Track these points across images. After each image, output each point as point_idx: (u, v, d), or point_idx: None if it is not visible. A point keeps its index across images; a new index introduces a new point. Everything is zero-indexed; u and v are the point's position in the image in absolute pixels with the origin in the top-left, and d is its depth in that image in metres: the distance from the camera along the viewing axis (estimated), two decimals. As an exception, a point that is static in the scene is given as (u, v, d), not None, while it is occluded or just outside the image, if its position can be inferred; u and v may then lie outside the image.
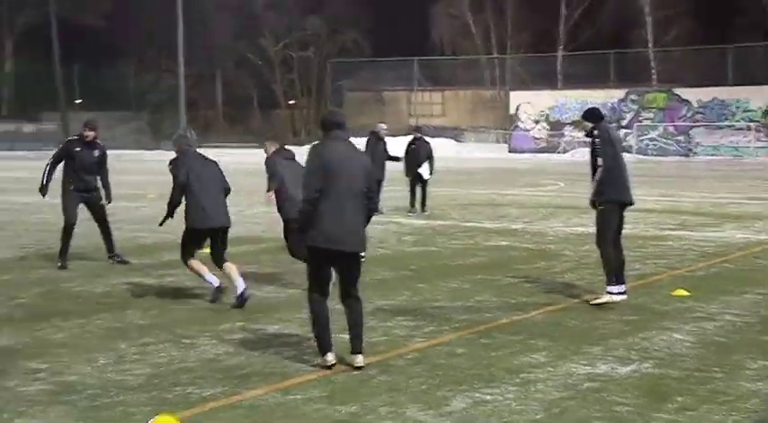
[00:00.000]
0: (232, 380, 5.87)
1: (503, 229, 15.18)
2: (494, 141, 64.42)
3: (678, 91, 55.69)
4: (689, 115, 55.22)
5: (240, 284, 8.19)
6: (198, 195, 8.33)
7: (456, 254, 12.05)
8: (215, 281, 8.37)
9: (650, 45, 59.51)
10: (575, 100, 57.79)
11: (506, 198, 22.24)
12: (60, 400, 5.40)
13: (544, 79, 60.20)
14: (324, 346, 6.10)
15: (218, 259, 8.49)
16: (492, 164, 44.63)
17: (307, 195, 6.04)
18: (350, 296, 6.21)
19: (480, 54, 65.58)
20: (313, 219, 6.01)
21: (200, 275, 8.45)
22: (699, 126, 54.91)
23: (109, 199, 11.00)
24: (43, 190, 10.69)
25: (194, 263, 8.46)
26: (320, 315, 6.12)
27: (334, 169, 6.01)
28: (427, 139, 18.70)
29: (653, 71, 59.18)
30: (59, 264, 10.40)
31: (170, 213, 8.51)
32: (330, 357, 6.06)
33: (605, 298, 8.40)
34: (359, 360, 6.12)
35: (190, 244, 8.48)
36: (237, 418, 5.14)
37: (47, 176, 10.61)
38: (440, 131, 62.30)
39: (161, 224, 8.66)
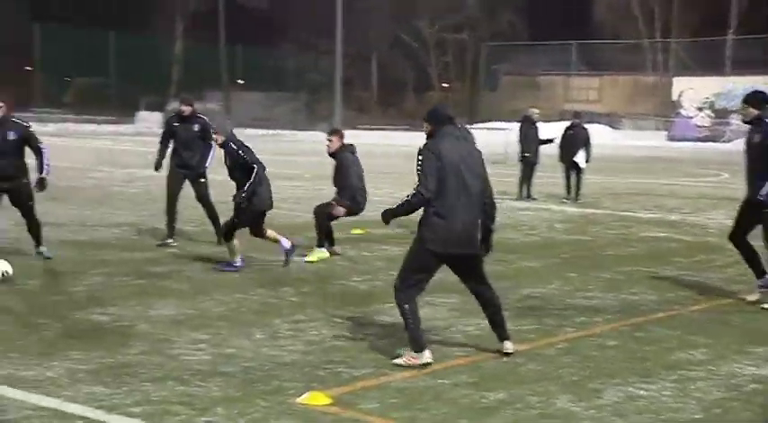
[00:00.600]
0: (382, 361, 5.95)
1: (660, 219, 14.67)
2: (652, 129, 62.24)
3: None
4: None
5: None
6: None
7: (610, 244, 11.76)
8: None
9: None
10: (743, 87, 55.00)
11: (664, 188, 21.46)
12: (219, 371, 5.64)
13: (710, 64, 57.53)
14: (422, 344, 5.80)
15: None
16: (650, 152, 43.14)
17: (422, 194, 5.76)
18: (480, 286, 6.07)
19: (643, 38, 63.39)
20: (427, 220, 5.78)
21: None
22: None
23: (200, 170, 10.57)
24: (156, 166, 10.76)
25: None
26: (416, 312, 5.86)
27: (450, 168, 5.74)
28: (585, 125, 18.28)
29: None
30: (160, 242, 10.41)
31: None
32: (428, 355, 5.77)
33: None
34: (508, 346, 6.06)
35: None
36: (387, 398, 5.22)
37: (158, 153, 10.69)
38: (595, 117, 60.71)
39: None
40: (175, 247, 10.41)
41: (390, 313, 7.32)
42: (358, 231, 12.04)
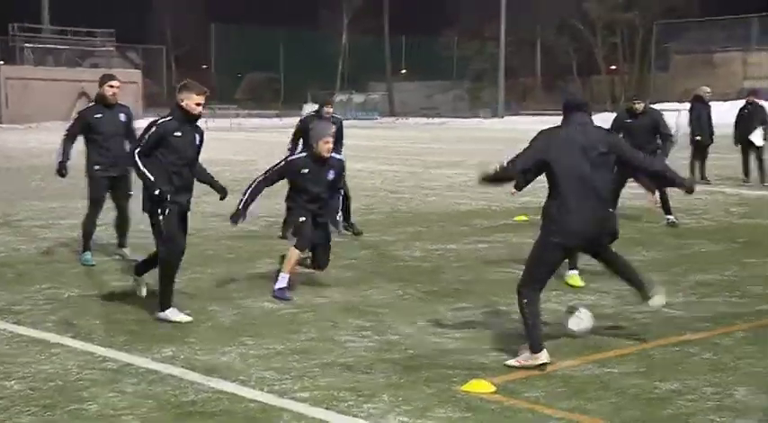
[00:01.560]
0: (547, 348, 5.82)
1: None
2: (843, 104, 57.95)
3: None
4: None
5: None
6: None
7: (794, 228, 11.07)
8: None
9: None
10: None
11: None
12: (384, 358, 5.72)
13: None
14: (540, 343, 5.52)
15: None
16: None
17: (507, 166, 5.61)
18: (606, 254, 5.85)
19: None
20: (551, 215, 5.57)
21: None
22: None
23: None
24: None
25: None
26: (537, 310, 5.63)
27: (566, 160, 5.51)
28: (762, 103, 17.29)
29: None
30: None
31: None
32: (545, 355, 5.49)
33: None
34: (658, 300, 5.79)
35: None
36: (552, 387, 5.14)
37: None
38: (778, 94, 57.24)
39: None
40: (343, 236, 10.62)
41: (555, 300, 7.21)
42: (522, 218, 11.90)
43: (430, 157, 25.20)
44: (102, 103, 8.76)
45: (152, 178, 6.47)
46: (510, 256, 9.21)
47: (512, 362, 5.55)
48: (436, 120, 54.19)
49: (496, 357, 5.69)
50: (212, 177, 7.05)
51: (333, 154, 7.56)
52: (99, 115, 8.70)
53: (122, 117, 8.85)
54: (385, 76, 69.95)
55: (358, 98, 64.73)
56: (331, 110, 10.73)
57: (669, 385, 5.11)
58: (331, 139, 7.49)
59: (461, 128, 47.19)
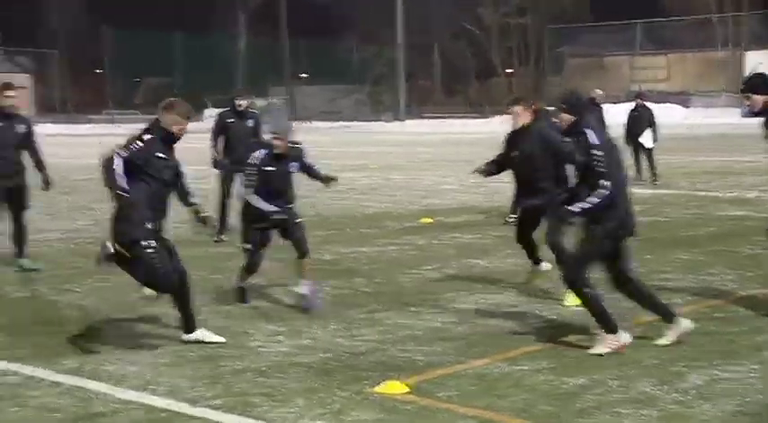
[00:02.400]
0: (458, 348, 5.93)
1: (737, 198, 14.32)
2: (724, 106, 60.70)
3: None
4: None
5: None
6: None
7: (686, 224, 11.52)
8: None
9: None
10: (819, 58, 53.24)
11: (741, 165, 20.92)
12: (297, 362, 5.68)
13: (783, 37, 55.90)
14: (614, 325, 5.73)
15: None
16: (723, 129, 42.05)
17: (608, 192, 5.75)
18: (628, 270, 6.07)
19: (713, 13, 61.81)
20: (609, 209, 5.77)
21: None
22: None
23: None
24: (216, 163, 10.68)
25: None
26: (599, 295, 5.85)
27: (614, 153, 5.82)
28: (649, 105, 17.93)
29: None
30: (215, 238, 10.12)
31: None
32: (626, 335, 5.73)
33: None
34: (686, 324, 5.99)
35: None
36: (465, 385, 5.19)
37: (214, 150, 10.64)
38: (664, 97, 59.46)
39: None
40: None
41: (463, 300, 7.30)
42: (427, 220, 12.02)
43: (334, 160, 25.17)
44: None
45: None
46: (419, 259, 9.29)
47: (599, 349, 5.67)
48: (339, 123, 54.19)
49: (409, 358, 5.73)
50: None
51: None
52: None
53: (22, 128, 8.56)
54: (285, 80, 69.54)
55: (259, 103, 64.27)
56: (244, 102, 10.36)
57: (577, 381, 5.23)
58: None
59: (364, 131, 47.36)
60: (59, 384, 5.22)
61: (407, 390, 5.07)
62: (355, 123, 55.82)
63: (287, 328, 6.51)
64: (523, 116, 7.28)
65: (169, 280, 5.93)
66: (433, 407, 4.85)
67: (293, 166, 7.24)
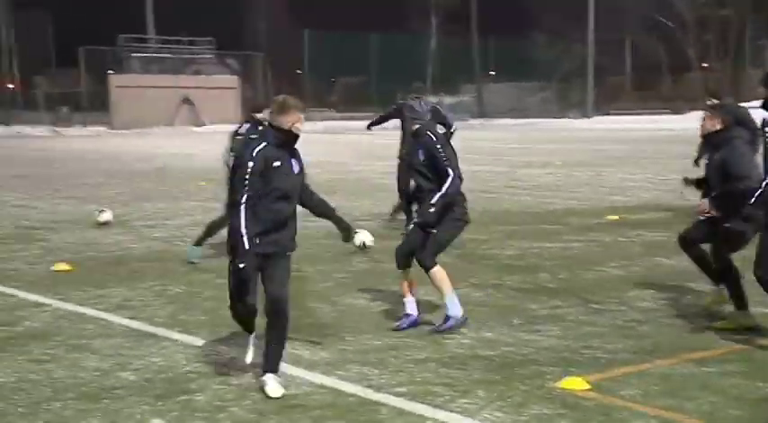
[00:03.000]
0: (642, 347, 5.75)
1: None
2: None
3: None
4: None
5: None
6: None
7: None
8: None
9: None
10: None
11: None
12: (478, 355, 5.70)
13: None
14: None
15: None
16: None
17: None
18: None
19: None
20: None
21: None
22: None
23: None
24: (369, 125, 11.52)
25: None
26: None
27: None
28: None
29: None
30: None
31: None
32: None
33: None
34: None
35: None
36: (648, 385, 5.03)
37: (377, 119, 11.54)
38: None
39: None
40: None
41: (649, 298, 7.06)
42: (613, 217, 11.70)
43: (518, 157, 24.96)
44: None
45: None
46: (604, 256, 9.07)
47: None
48: (524, 120, 53.63)
49: (591, 355, 5.61)
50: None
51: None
52: None
53: None
54: (474, 78, 69.62)
55: (448, 100, 64.69)
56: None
57: (770, 386, 4.94)
58: None
59: (549, 128, 46.59)
60: (258, 366, 5.49)
61: (589, 386, 4.98)
62: (541, 120, 55.04)
63: (470, 320, 6.53)
64: (710, 122, 6.41)
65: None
66: (614, 405, 4.73)
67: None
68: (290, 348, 5.87)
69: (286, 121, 5.04)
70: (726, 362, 5.39)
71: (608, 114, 59.74)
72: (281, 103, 5.10)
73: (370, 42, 67.90)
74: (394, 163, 11.47)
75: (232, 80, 52.34)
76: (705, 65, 69.87)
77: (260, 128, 7.43)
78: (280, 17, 74.87)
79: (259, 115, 8.24)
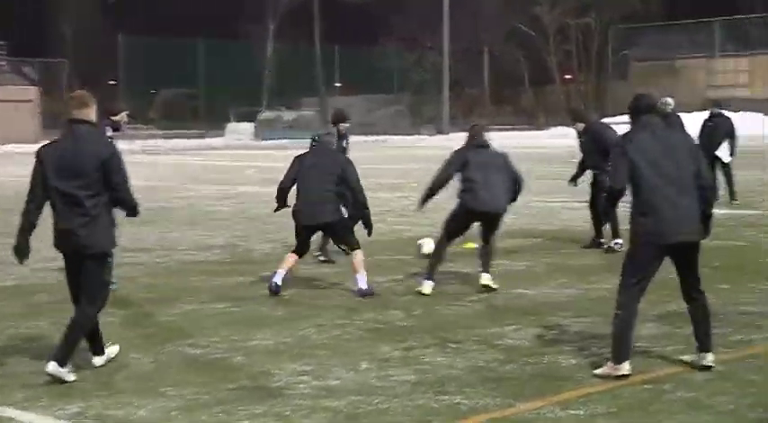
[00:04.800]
0: (504, 390, 5.89)
1: (828, 219, 14.09)
2: (814, 115, 59.92)
3: None
4: None
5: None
6: None
7: (768, 249, 11.35)
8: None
9: None
10: None
11: (832, 182, 20.61)
12: (323, 406, 5.68)
13: None
14: (622, 356, 6.03)
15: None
16: (812, 141, 41.40)
17: (611, 187, 6.28)
18: (693, 289, 6.28)
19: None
20: (634, 219, 6.14)
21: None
22: None
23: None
24: None
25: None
26: (625, 319, 6.10)
27: (644, 161, 6.05)
28: (727, 114, 17.75)
29: None
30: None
31: None
32: (627, 367, 6.01)
33: None
34: (707, 358, 6.18)
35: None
36: (512, 432, 5.15)
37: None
38: (745, 104, 58.85)
39: None
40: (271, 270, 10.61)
41: (512, 336, 7.25)
42: (471, 246, 11.97)
43: (368, 178, 25.21)
44: None
45: None
46: (463, 289, 9.26)
47: (598, 371, 6.14)
48: (374, 137, 54.37)
49: (449, 401, 5.69)
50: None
51: None
52: None
53: None
54: (318, 91, 69.94)
55: (288, 115, 64.73)
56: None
57: (641, 427, 5.16)
58: None
59: (402, 146, 47.46)
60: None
61: (445, 438, 5.05)
62: (393, 137, 55.96)
63: (313, 367, 6.51)
64: None
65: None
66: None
67: None
68: (98, 407, 5.66)
69: (92, 112, 6.26)
70: (592, 402, 5.59)
71: (465, 130, 61.31)
72: (81, 96, 6.33)
73: (196, 50, 67.12)
74: (227, 188, 11.33)
75: (29, 91, 50.38)
76: (568, 77, 73.19)
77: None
78: (88, 18, 72.89)
79: (116, 118, 9.35)
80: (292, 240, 12.62)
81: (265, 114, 63.50)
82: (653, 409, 5.45)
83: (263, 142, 53.80)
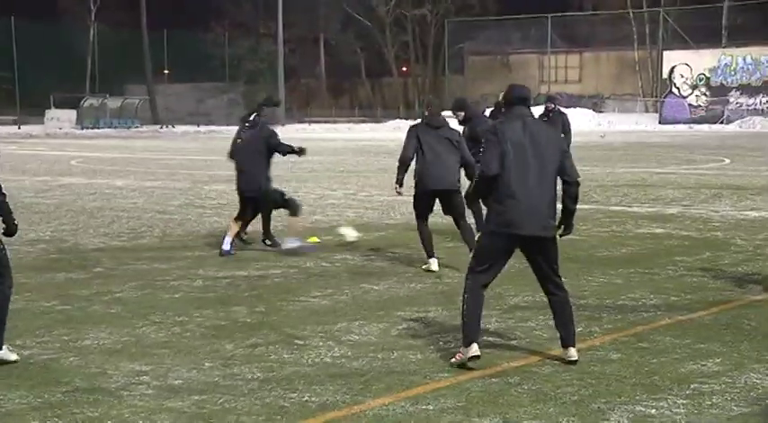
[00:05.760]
0: (353, 386, 5.95)
1: (656, 213, 14.86)
2: (641, 111, 63.06)
3: None
4: None
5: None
6: None
7: (602, 243, 11.88)
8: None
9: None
10: (743, 59, 55.97)
11: (659, 177, 21.76)
12: (166, 407, 5.59)
13: (705, 35, 58.46)
14: (469, 338, 6.26)
15: None
16: (640, 137, 43.67)
17: (482, 172, 6.38)
18: (550, 284, 6.45)
19: (629, 8, 64.17)
20: (491, 205, 6.38)
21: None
22: None
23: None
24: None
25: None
26: (471, 302, 6.34)
27: (514, 150, 6.24)
28: (563, 109, 18.49)
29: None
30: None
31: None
32: (475, 348, 6.22)
33: None
34: (572, 353, 6.39)
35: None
36: (362, 430, 5.21)
37: None
38: (576, 100, 61.38)
39: None
40: (104, 265, 10.35)
41: (359, 331, 7.33)
42: (313, 239, 12.03)
43: (202, 170, 24.95)
44: None
45: None
46: (307, 284, 9.28)
47: (453, 360, 6.33)
48: (207, 127, 53.72)
49: (296, 399, 5.71)
50: None
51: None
52: None
53: None
54: (144, 78, 68.31)
55: (113, 103, 62.95)
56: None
57: (490, 420, 5.32)
58: None
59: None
60: None
61: (296, 436, 5.06)
62: (227, 128, 55.48)
63: (153, 367, 6.40)
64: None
65: None
66: (326, 455, 4.85)
67: None
68: None
69: None
70: (442, 396, 5.73)
71: (302, 122, 61.45)
72: None
73: (11, 30, 64.30)
74: (49, 179, 10.94)
75: None
76: (404, 69, 74.28)
77: None
78: None
79: None
80: (123, 232, 12.36)
81: (89, 101, 61.61)
82: (501, 402, 5.63)
83: (86, 131, 52.15)
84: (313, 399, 5.73)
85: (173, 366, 6.42)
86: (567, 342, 6.44)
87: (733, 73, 56.33)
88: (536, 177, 6.25)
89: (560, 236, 6.53)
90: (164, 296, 8.74)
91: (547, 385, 5.94)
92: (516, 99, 6.47)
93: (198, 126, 57.52)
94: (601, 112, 61.65)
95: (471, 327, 6.30)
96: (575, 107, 57.89)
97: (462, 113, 12.13)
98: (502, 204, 6.26)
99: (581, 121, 52.60)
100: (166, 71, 71.30)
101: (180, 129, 60.61)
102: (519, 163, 6.23)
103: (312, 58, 74.04)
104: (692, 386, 5.89)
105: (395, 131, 54.00)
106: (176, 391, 5.89)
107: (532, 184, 6.24)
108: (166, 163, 29.19)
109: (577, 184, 6.47)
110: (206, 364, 6.49)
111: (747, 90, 55.26)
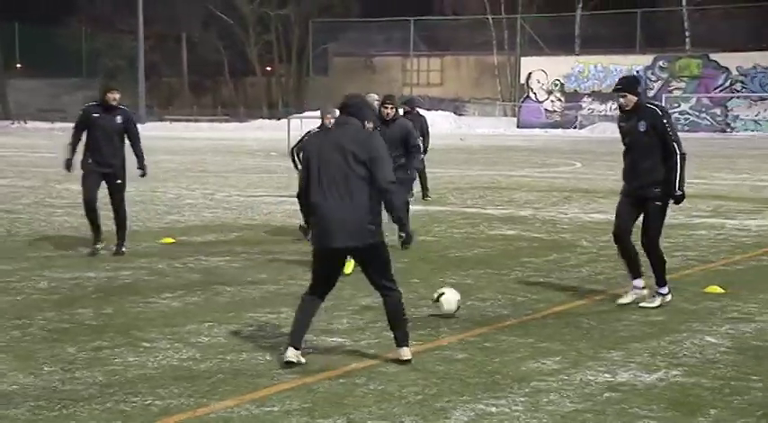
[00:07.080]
0: (199, 389, 5.88)
1: (509, 215, 15.22)
2: (500, 115, 64.50)
3: (715, 57, 55.82)
4: (727, 85, 55.35)
5: None
6: None
7: (455, 244, 12.09)
8: None
9: (684, 3, 59.49)
10: (594, 67, 57.89)
11: (513, 180, 22.28)
12: (1, 415, 5.40)
13: (560, 43, 60.28)
14: (291, 341, 6.38)
15: None
16: (498, 141, 44.69)
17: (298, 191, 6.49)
18: (378, 288, 6.50)
19: (487, 13, 65.51)
20: (309, 217, 6.46)
21: None
22: (738, 97, 55.05)
23: (142, 169, 11.14)
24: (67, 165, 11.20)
25: None
26: (301, 308, 6.46)
27: (313, 159, 6.28)
28: (421, 112, 18.72)
29: (686, 33, 59.22)
30: (90, 250, 10.83)
31: None
32: (290, 353, 6.31)
33: (658, 301, 8.36)
34: (405, 353, 6.47)
35: None
36: (205, 433, 5.16)
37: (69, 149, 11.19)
38: (438, 103, 62.30)
39: None
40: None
41: (209, 333, 7.25)
42: (168, 240, 11.85)
43: (54, 169, 24.22)
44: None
45: None
46: (158, 285, 9.13)
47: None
48: (61, 124, 52.19)
49: (139, 403, 5.61)
50: None
51: None
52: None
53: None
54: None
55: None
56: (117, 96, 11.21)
57: (334, 421, 5.34)
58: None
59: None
60: None
61: (136, 441, 4.97)
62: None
63: (-11, 372, 6.17)
64: None
65: None
66: (166, 459, 4.78)
67: None
68: None
69: None
70: (288, 398, 5.72)
71: (162, 120, 60.41)
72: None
73: None
74: None
75: None
76: (268, 69, 73.91)
77: None
78: None
79: None
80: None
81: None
82: (346, 402, 5.66)
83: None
84: (156, 402, 5.64)
85: (8, 371, 6.21)
86: (398, 342, 6.52)
87: (585, 79, 58.28)
88: (341, 188, 6.17)
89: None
90: (4, 298, 8.45)
91: (392, 385, 6.00)
92: (341, 107, 6.47)
93: (52, 123, 55.78)
94: (461, 115, 62.74)
95: (294, 331, 6.40)
96: (436, 110, 58.73)
97: (407, 108, 12.33)
98: (313, 219, 6.34)
99: (442, 124, 53.44)
100: (19, 65, 68.91)
101: (32, 125, 58.77)
102: (320, 175, 6.22)
103: (174, 56, 72.81)
104: (531, 384, 6.05)
105: (257, 131, 53.65)
106: (10, 398, 5.69)
107: (336, 196, 6.18)
108: (17, 160, 28.28)
109: (387, 190, 6.22)
110: (45, 368, 6.30)
111: (599, 96, 57.23)
